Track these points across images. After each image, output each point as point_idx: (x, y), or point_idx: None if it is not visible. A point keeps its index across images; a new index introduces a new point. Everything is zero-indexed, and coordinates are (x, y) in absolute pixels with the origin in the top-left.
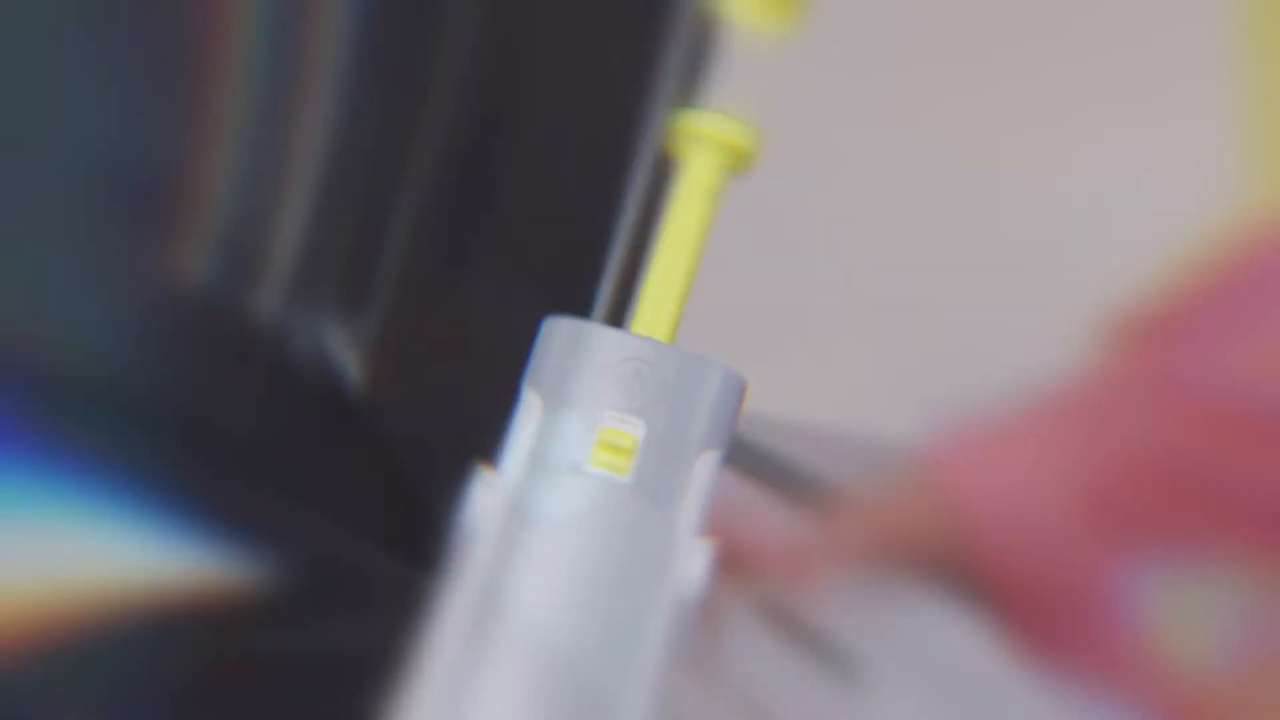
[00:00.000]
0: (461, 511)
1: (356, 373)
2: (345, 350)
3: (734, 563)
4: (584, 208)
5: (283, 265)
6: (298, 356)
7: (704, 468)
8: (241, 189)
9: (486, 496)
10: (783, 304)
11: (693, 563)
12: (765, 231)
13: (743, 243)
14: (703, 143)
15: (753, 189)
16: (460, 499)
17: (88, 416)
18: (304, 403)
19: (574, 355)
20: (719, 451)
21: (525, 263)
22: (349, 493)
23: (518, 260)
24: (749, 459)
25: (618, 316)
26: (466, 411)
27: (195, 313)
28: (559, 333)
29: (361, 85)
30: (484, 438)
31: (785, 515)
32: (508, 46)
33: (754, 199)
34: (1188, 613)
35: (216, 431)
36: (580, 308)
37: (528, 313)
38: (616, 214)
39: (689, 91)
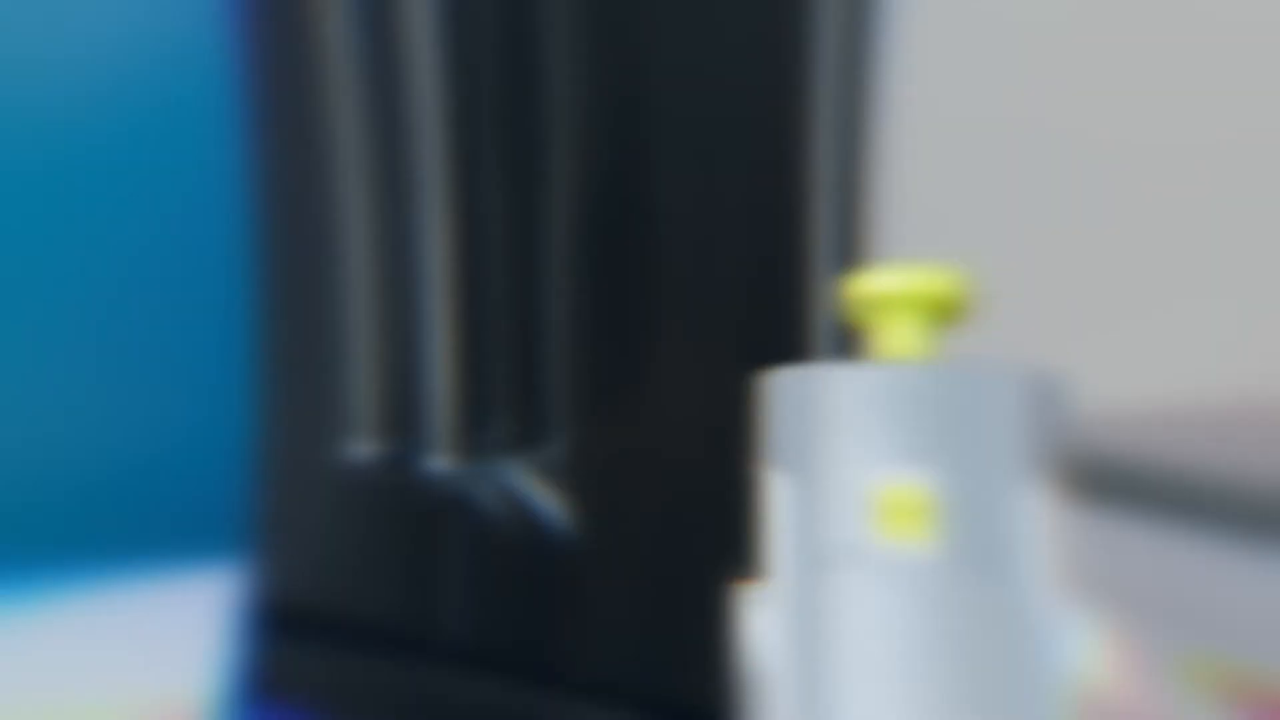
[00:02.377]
0: (740, 647)
1: (556, 510)
2: (537, 488)
3: None
4: (759, 233)
5: (444, 421)
6: (487, 515)
7: (1035, 507)
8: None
9: (764, 619)
10: (1074, 271)
11: (1062, 639)
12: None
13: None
14: (898, 308)
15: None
16: (731, 631)
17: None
18: (509, 565)
19: (815, 411)
20: (1050, 479)
21: (706, 323)
22: (585, 658)
23: (697, 323)
24: (1096, 476)
25: (844, 349)
26: (691, 519)
27: (368, 500)
28: (788, 389)
29: (477, 187)
30: (723, 545)
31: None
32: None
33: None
34: None
35: (424, 633)
36: (792, 353)
37: (728, 379)
38: (801, 226)
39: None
